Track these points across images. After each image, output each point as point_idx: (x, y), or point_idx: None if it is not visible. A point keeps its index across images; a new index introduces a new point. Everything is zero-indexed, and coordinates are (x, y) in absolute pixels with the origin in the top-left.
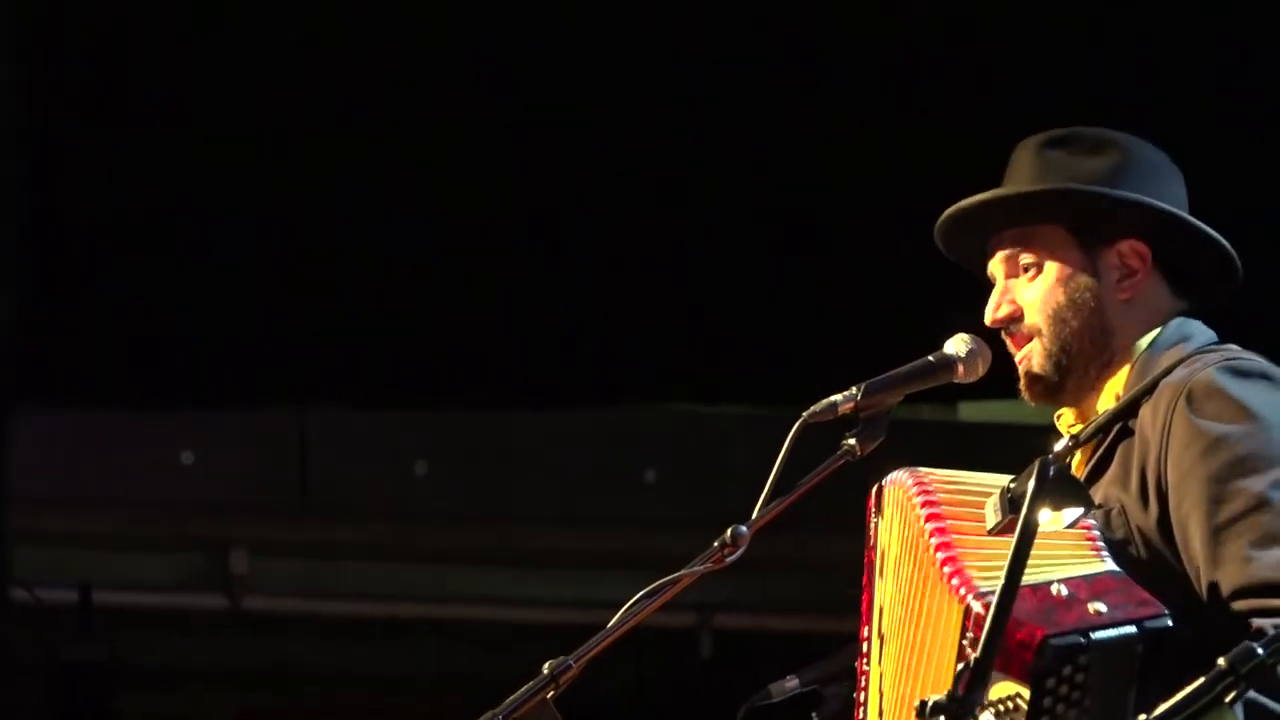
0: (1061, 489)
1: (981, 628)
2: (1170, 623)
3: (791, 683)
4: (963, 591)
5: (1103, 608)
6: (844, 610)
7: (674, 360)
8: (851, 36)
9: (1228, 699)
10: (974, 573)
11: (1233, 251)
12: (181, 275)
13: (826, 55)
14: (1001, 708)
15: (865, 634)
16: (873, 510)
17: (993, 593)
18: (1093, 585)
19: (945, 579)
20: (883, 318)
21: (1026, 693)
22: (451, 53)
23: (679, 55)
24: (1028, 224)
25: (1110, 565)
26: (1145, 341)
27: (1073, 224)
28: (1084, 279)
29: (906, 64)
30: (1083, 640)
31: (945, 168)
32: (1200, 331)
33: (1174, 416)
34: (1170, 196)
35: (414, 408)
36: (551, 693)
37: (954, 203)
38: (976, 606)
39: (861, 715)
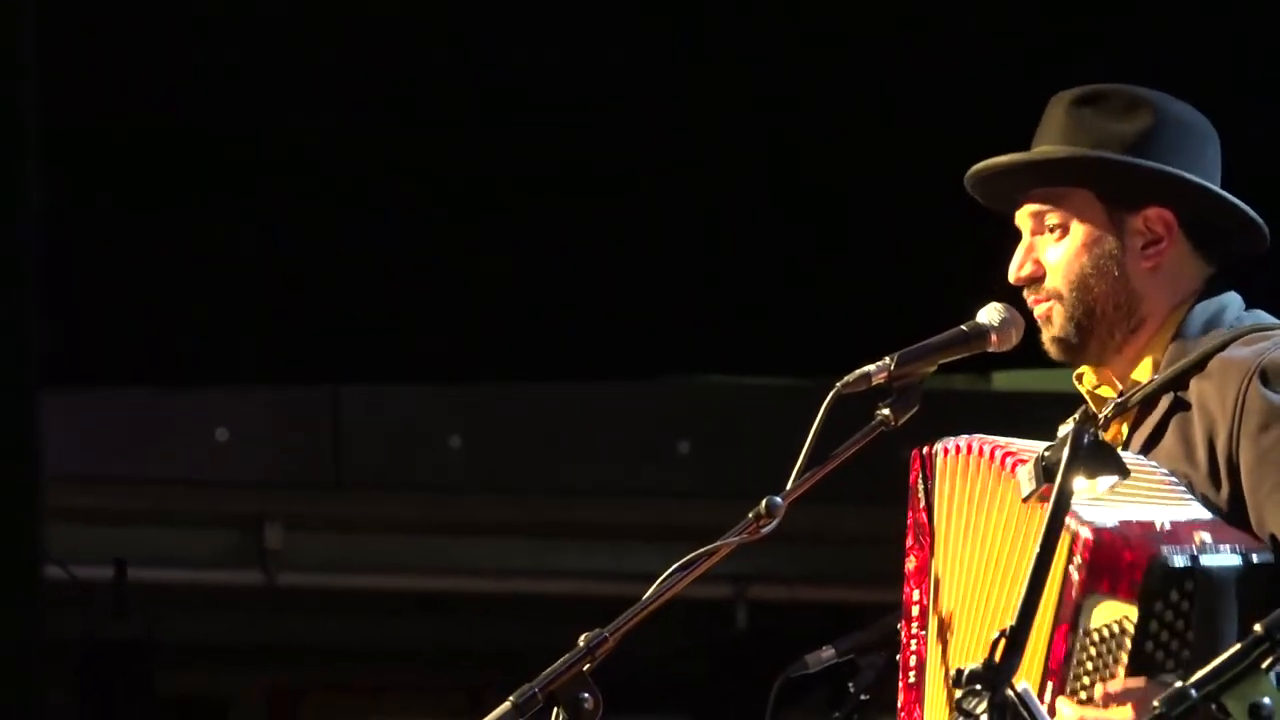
0: (1096, 456)
1: (1089, 552)
2: (1271, 557)
3: (827, 653)
4: (1068, 521)
5: (1208, 538)
6: (879, 580)
7: (707, 332)
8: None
9: (1264, 665)
10: (1082, 510)
11: (1258, 219)
12: (215, 251)
13: (853, 25)
14: (1107, 631)
15: (915, 598)
16: (920, 474)
17: (1102, 523)
18: (1194, 524)
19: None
20: (915, 288)
21: (1134, 615)
22: (460, 20)
23: (704, 35)
24: (1059, 185)
25: (1205, 512)
26: (1182, 310)
27: (1100, 189)
28: (1109, 245)
29: (926, 38)
30: (1190, 563)
31: (974, 136)
32: (1233, 300)
33: (1247, 395)
34: (1202, 161)
35: (448, 382)
36: (588, 665)
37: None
38: (1084, 532)
39: (911, 680)
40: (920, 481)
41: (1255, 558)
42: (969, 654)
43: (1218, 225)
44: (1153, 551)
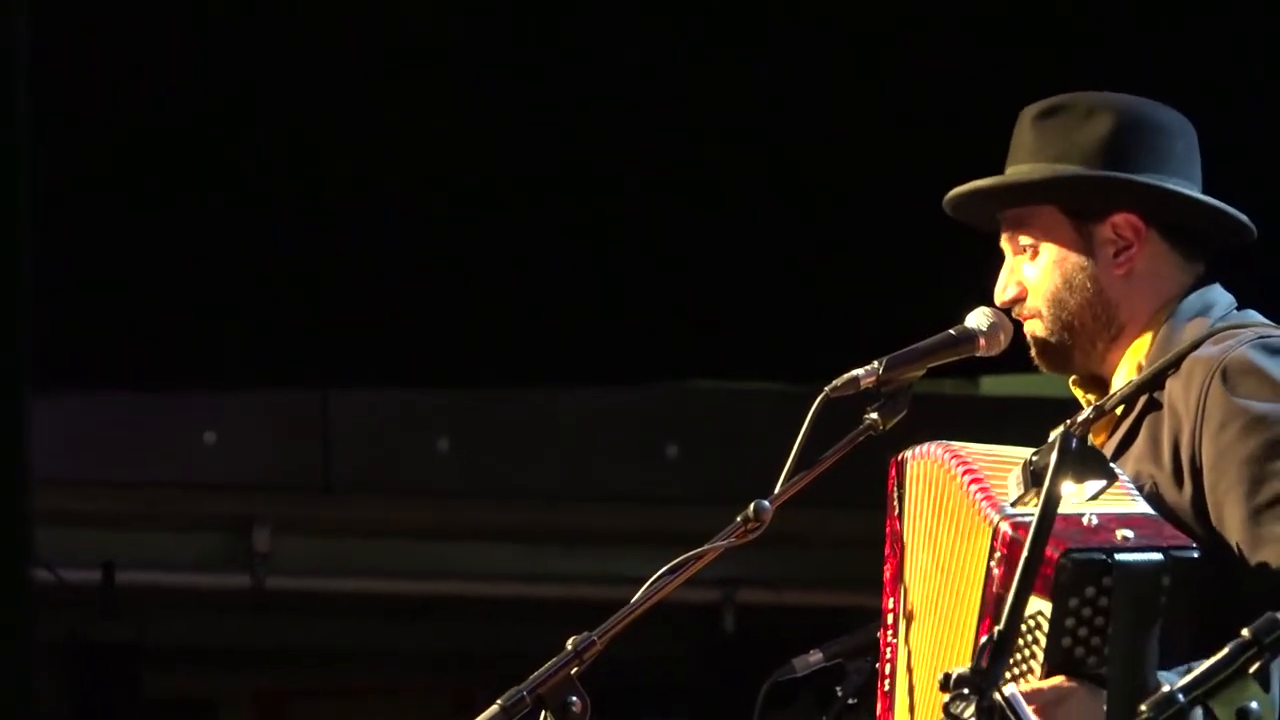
0: (1083, 461)
1: (1006, 547)
2: (1197, 555)
3: (815, 657)
4: (991, 514)
5: (1130, 534)
6: (866, 585)
7: (695, 336)
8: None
9: (1251, 670)
10: (1010, 507)
11: (1229, 210)
12: (204, 254)
13: (853, 25)
14: (1023, 625)
15: (890, 605)
16: (895, 482)
17: (1023, 518)
18: (1124, 520)
19: (986, 519)
20: (904, 292)
21: (1048, 611)
22: (458, 20)
23: (694, 46)
24: (1022, 205)
25: (1145, 507)
26: (1165, 312)
27: (1064, 204)
28: (1078, 259)
29: (926, 38)
30: (1106, 559)
31: (974, 137)
32: (1221, 299)
33: (1209, 394)
34: (1171, 159)
35: (436, 386)
36: (576, 668)
37: (974, 177)
38: (1004, 527)
39: (886, 688)
40: (895, 489)
41: (1179, 554)
42: (923, 661)
43: (1190, 223)
44: (1066, 547)
